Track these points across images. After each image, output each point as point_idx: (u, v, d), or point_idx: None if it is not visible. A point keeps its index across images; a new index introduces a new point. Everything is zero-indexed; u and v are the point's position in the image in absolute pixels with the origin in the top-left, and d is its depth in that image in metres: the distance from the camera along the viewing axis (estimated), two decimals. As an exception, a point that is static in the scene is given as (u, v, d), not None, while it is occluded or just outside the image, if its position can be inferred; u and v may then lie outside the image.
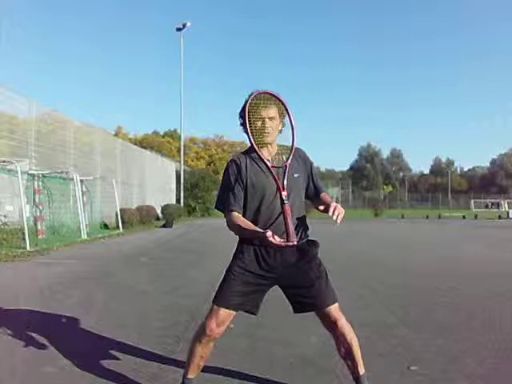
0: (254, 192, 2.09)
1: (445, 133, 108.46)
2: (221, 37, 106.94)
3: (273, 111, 2.10)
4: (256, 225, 2.05)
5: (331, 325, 2.08)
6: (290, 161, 2.10)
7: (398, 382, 2.50)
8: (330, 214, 1.95)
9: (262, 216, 2.07)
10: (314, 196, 2.24)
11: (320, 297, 2.08)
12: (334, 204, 1.99)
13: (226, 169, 2.17)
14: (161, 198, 22.82)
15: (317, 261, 2.15)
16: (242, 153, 2.22)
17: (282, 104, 2.13)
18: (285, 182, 2.01)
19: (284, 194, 1.95)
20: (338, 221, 1.93)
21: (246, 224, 2.04)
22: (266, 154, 2.13)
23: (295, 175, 2.13)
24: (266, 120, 2.09)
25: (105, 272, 6.45)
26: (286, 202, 1.93)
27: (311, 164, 2.26)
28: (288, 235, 1.88)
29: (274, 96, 2.11)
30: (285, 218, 1.91)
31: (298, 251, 2.10)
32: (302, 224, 2.15)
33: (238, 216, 2.08)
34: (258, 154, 2.06)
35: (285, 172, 2.06)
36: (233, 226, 2.08)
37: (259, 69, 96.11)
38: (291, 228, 1.89)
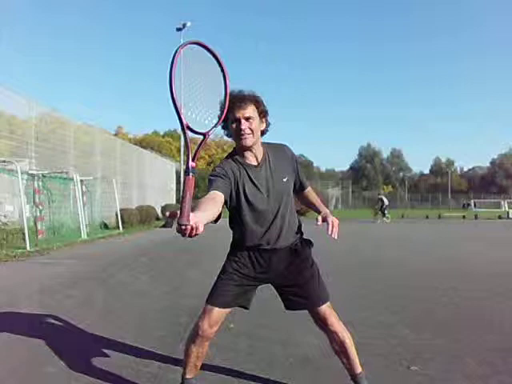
0: (242, 202, 2.01)
1: (445, 133, 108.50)
2: (220, 37, 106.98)
3: (249, 111, 1.95)
4: (250, 234, 2.04)
5: (322, 323, 2.10)
6: (271, 162, 2.06)
7: (398, 382, 2.50)
8: (329, 232, 1.98)
9: (254, 226, 2.04)
10: (299, 191, 2.24)
11: (312, 296, 2.10)
12: (330, 220, 2.01)
13: (210, 177, 1.96)
14: (161, 198, 22.82)
15: (310, 261, 2.17)
16: (227, 158, 2.06)
17: (218, 61, 1.71)
18: (270, 185, 2.01)
19: (192, 164, 1.58)
20: (335, 237, 1.98)
21: (198, 205, 1.76)
22: (251, 157, 2.04)
23: (284, 179, 2.07)
24: (242, 121, 1.94)
25: (105, 272, 6.45)
26: (190, 173, 1.56)
27: (296, 160, 2.19)
28: (181, 215, 1.47)
29: (248, 97, 1.95)
30: (183, 192, 1.53)
31: (291, 253, 2.12)
32: (294, 226, 2.15)
33: (208, 196, 1.84)
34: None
35: (272, 174, 2.04)
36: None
37: (259, 69, 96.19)
38: (186, 209, 1.48)
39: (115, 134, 39.75)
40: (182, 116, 1.58)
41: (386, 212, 23.27)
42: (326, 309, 2.09)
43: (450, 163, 77.05)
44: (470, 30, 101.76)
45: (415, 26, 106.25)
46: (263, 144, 2.10)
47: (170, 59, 1.53)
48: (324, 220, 2.02)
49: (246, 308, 2.17)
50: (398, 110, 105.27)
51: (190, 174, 1.56)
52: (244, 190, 2.00)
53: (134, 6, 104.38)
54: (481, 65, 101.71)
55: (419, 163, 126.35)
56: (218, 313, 2.04)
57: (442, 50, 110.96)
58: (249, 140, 1.97)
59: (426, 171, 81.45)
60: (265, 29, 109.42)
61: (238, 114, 1.94)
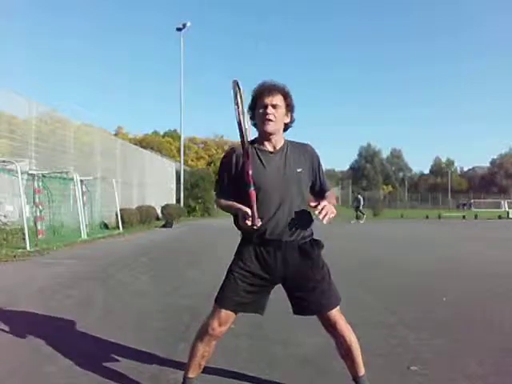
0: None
1: (445, 133, 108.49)
2: (221, 37, 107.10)
3: (277, 99, 2.04)
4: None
5: (331, 327, 2.07)
6: (288, 152, 2.09)
7: (398, 382, 2.50)
8: (317, 213, 1.89)
9: (260, 210, 1.99)
10: (318, 193, 2.17)
11: (321, 301, 2.05)
12: (323, 203, 1.91)
13: (222, 160, 2.16)
14: (161, 197, 22.80)
15: (319, 263, 2.11)
16: None
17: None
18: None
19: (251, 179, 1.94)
20: (325, 221, 1.88)
21: (228, 204, 2.09)
22: (269, 146, 2.09)
23: (298, 170, 2.07)
24: (269, 107, 2.02)
25: (105, 272, 6.44)
26: (251, 187, 1.92)
27: (319, 161, 2.18)
28: (253, 220, 1.90)
29: (278, 87, 2.07)
30: (251, 203, 1.91)
31: (299, 252, 2.07)
32: (304, 222, 2.08)
33: (222, 200, 2.13)
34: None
35: (286, 164, 2.06)
36: (220, 207, 2.17)
37: (259, 69, 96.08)
38: (257, 214, 1.90)
39: (115, 134, 39.75)
40: (245, 141, 1.93)
41: (362, 212, 22.71)
42: (335, 313, 2.06)
43: (450, 163, 77.03)
44: (469, 30, 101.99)
45: (415, 26, 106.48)
46: (286, 140, 2.15)
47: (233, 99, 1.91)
48: (317, 204, 1.93)
49: (260, 314, 2.14)
50: (398, 110, 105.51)
51: (252, 187, 1.93)
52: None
53: (134, 5, 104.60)
54: (481, 65, 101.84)
55: (419, 163, 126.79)
56: (226, 314, 2.04)
57: (442, 50, 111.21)
58: (271, 126, 2.04)
59: (426, 171, 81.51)
60: (265, 29, 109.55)
61: (267, 100, 2.03)
